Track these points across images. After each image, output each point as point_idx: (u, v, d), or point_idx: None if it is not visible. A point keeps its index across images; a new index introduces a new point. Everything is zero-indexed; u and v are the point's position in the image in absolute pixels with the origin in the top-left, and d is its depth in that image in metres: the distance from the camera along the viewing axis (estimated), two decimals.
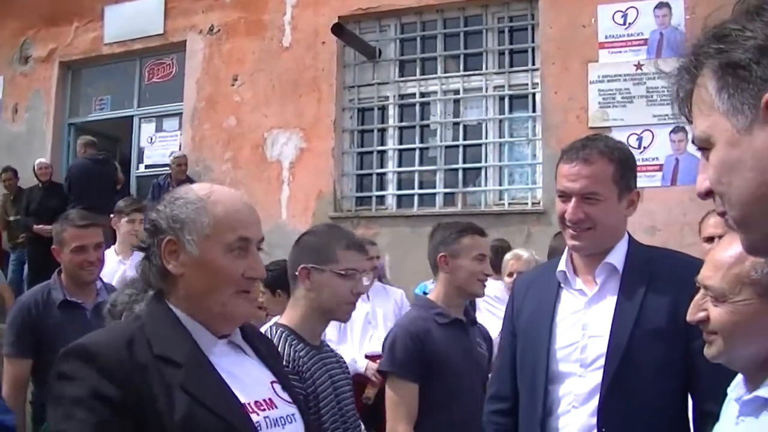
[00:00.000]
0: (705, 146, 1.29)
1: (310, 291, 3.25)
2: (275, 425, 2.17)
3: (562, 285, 3.03)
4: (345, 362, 3.53)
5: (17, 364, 4.54)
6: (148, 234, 2.22)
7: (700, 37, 1.30)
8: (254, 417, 2.10)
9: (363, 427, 3.59)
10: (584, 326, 2.89)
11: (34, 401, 4.64)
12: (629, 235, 3.02)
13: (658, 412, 2.70)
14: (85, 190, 10.86)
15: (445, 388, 3.82)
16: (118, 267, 6.41)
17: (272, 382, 2.28)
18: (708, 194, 1.30)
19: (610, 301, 2.87)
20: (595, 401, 2.78)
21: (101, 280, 4.95)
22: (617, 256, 2.92)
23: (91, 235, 4.69)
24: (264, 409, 2.16)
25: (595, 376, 2.80)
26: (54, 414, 1.97)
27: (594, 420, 2.77)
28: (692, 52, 1.31)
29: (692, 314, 2.11)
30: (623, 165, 2.92)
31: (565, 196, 2.92)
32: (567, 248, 3.04)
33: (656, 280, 2.81)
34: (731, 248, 1.97)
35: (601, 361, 2.79)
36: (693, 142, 1.33)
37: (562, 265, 3.03)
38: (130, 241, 6.56)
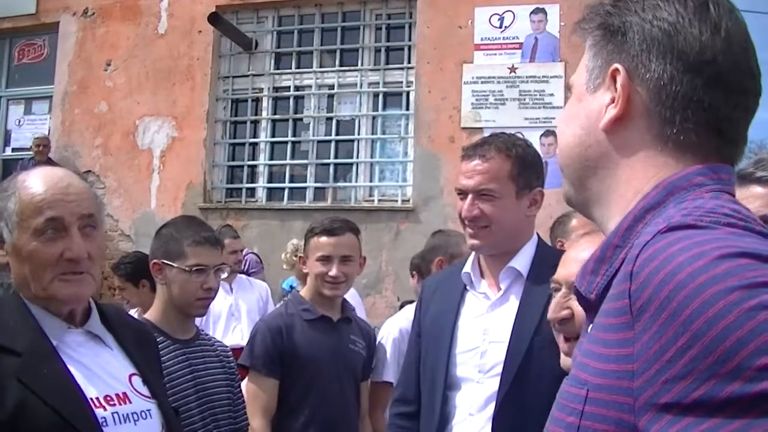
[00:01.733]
0: (570, 91, 1.38)
1: (164, 286, 3.29)
2: (125, 421, 2.11)
3: (467, 287, 2.97)
4: (227, 354, 3.51)
5: None
6: None
7: None
8: (100, 412, 2.04)
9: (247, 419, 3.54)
10: (485, 331, 2.83)
11: None
12: (539, 238, 2.98)
13: None
14: None
15: (307, 385, 3.79)
16: None
17: (131, 375, 2.22)
18: None
19: (513, 307, 2.81)
20: (491, 409, 2.72)
21: None
22: (522, 261, 2.86)
23: None
24: (114, 404, 2.10)
25: (493, 383, 2.74)
26: None
27: (488, 429, 2.70)
28: (591, 7, 1.35)
29: (555, 312, 2.10)
30: (522, 162, 2.85)
31: (462, 193, 2.87)
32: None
33: None
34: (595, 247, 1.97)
35: (500, 368, 2.73)
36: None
37: (468, 267, 2.97)
38: None
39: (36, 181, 2.12)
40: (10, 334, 2.01)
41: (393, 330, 4.32)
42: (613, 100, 1.24)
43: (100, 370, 2.13)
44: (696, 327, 0.94)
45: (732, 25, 1.23)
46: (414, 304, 3.60)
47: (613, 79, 1.24)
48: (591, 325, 1.18)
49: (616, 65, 1.24)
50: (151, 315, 3.33)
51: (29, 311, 2.08)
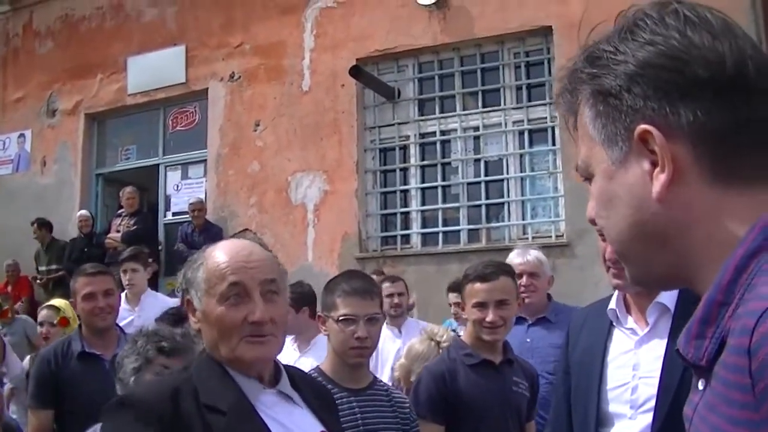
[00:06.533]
0: (585, 175, 1.21)
1: (327, 337, 3.46)
2: None
3: (613, 323, 2.99)
4: (402, 402, 3.57)
5: (38, 414, 4.67)
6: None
7: (577, 59, 1.20)
8: None
9: None
10: (635, 366, 2.86)
11: None
12: None
13: None
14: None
15: (471, 429, 3.81)
16: (127, 315, 6.54)
17: None
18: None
19: (661, 342, 2.82)
20: None
21: (122, 330, 5.04)
22: (669, 295, 2.86)
23: (100, 282, 4.81)
24: None
25: (646, 419, 2.76)
26: None
27: None
28: (567, 77, 1.21)
29: None
30: None
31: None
32: None
33: None
34: None
35: (652, 403, 2.75)
36: (576, 169, 1.25)
37: (613, 303, 3.00)
38: (129, 291, 6.86)
39: (221, 252, 2.27)
40: (215, 394, 2.12)
41: None
42: (653, 165, 1.08)
43: (294, 427, 2.21)
44: None
45: (719, 20, 1.10)
46: None
47: (643, 141, 1.08)
48: (704, 385, 1.05)
49: (643, 126, 1.07)
50: (323, 366, 3.49)
51: (228, 373, 2.20)
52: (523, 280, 5.35)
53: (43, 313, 6.57)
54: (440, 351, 4.46)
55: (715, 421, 0.98)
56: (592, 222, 1.22)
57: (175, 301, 6.23)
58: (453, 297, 6.37)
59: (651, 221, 1.11)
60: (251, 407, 2.16)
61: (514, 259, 5.43)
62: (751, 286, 0.99)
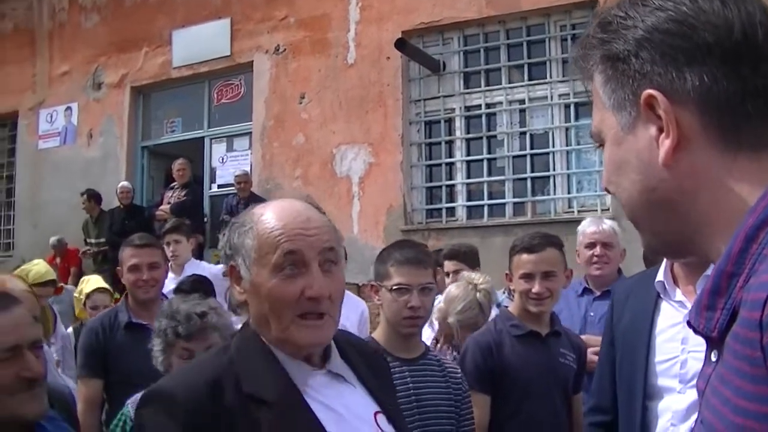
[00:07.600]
0: (598, 141, 1.22)
1: (381, 306, 3.45)
2: None
3: (661, 296, 2.96)
4: (455, 373, 3.56)
5: (88, 384, 4.69)
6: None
7: (590, 26, 1.20)
8: None
9: None
10: (684, 340, 2.81)
11: (108, 420, 4.76)
12: None
13: None
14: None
15: (517, 400, 3.82)
16: (171, 284, 6.64)
17: (376, 413, 2.07)
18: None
19: None
20: (694, 418, 2.74)
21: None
22: None
23: (146, 254, 4.82)
24: None
25: (695, 393, 2.73)
26: None
27: None
28: (580, 43, 1.21)
29: None
30: None
31: None
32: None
33: None
34: None
35: None
36: (591, 136, 1.25)
37: (660, 275, 2.96)
38: (173, 261, 6.91)
39: (274, 215, 2.00)
40: (259, 381, 1.92)
41: None
42: (660, 130, 1.08)
43: (347, 412, 2.01)
44: None
45: None
46: None
47: (649, 107, 1.09)
48: (716, 357, 1.06)
49: (648, 91, 1.08)
50: (377, 333, 3.51)
51: (274, 356, 1.98)
52: (597, 249, 5.13)
53: (95, 297, 6.60)
54: (477, 294, 4.50)
55: (726, 394, 0.98)
56: (606, 190, 1.23)
57: (219, 269, 6.27)
58: (450, 265, 6.16)
59: (659, 187, 1.11)
60: (299, 395, 1.94)
61: (587, 227, 5.24)
62: (763, 256, 0.98)
